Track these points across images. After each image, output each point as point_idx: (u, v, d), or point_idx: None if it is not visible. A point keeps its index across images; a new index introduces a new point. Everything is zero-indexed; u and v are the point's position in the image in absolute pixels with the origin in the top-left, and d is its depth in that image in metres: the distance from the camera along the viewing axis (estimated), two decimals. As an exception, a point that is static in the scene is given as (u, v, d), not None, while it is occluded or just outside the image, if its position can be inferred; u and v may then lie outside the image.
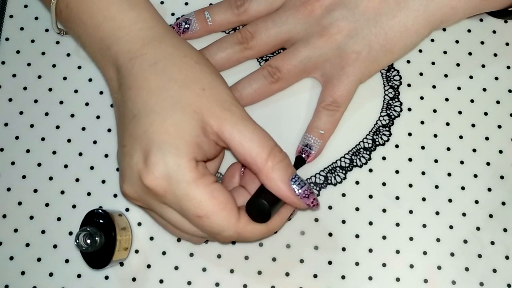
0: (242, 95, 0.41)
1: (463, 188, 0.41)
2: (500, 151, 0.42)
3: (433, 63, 0.43)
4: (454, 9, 0.39)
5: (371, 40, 0.39)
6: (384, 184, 0.41)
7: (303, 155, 0.40)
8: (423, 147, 0.42)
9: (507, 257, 0.40)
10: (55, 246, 0.41)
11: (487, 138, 0.42)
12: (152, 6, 0.38)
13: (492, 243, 0.40)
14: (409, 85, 0.43)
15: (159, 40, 0.36)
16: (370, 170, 0.41)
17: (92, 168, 0.42)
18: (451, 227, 0.40)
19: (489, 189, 0.41)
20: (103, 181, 0.42)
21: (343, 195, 0.41)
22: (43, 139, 0.42)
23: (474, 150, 0.42)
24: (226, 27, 0.43)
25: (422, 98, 0.43)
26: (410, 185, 0.41)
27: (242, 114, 0.35)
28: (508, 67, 0.43)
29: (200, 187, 0.33)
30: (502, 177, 0.41)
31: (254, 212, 0.35)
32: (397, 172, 0.41)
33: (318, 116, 0.41)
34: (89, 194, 0.41)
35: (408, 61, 0.43)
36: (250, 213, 0.35)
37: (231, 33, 0.42)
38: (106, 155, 0.42)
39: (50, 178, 0.42)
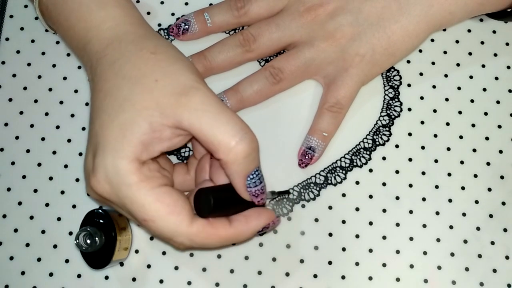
0: (243, 96, 0.41)
1: (463, 188, 0.41)
2: (500, 151, 0.42)
3: (433, 63, 0.43)
4: (452, 14, 0.40)
5: (374, 44, 0.40)
6: (384, 184, 0.41)
7: (306, 159, 0.40)
8: (423, 147, 0.42)
9: (507, 257, 0.40)
10: (55, 246, 0.41)
11: (487, 138, 0.42)
12: (125, 1, 0.37)
13: (492, 243, 0.40)
14: (409, 85, 0.43)
15: (120, 39, 0.35)
16: (370, 170, 0.41)
17: (92, 168, 0.42)
18: (451, 227, 0.40)
19: (489, 189, 0.41)
20: (103, 181, 0.42)
21: (343, 195, 0.41)
22: (43, 139, 0.42)
23: (474, 150, 0.42)
24: (225, 29, 0.43)
25: (422, 98, 0.43)
26: (410, 185, 0.41)
27: (203, 98, 0.32)
28: (508, 67, 0.43)
29: (142, 190, 0.31)
30: (502, 177, 0.41)
31: (199, 203, 0.34)
32: (397, 172, 0.41)
33: (321, 118, 0.41)
34: (89, 194, 0.41)
35: (408, 61, 0.43)
36: (195, 203, 0.34)
37: (233, 35, 0.42)
38: (106, 155, 0.42)
39: (50, 178, 0.42)
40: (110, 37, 0.35)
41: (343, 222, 0.41)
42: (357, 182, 0.41)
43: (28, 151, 0.42)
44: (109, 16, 0.36)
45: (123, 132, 0.32)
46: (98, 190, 0.32)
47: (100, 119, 0.33)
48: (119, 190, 0.32)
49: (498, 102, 0.43)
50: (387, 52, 0.40)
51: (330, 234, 0.40)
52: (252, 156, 0.33)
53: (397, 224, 0.41)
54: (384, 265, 0.40)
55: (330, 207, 0.41)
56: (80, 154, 0.42)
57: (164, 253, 0.40)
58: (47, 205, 0.41)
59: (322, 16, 0.40)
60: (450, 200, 0.41)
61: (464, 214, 0.41)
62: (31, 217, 0.41)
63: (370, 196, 0.41)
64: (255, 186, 0.34)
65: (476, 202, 0.41)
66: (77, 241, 0.36)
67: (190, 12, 0.43)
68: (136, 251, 0.40)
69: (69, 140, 0.42)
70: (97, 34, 0.35)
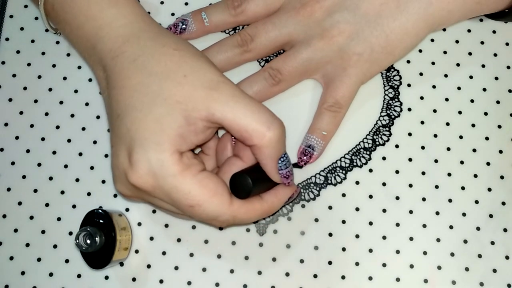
0: None
1: (463, 188, 0.41)
2: (500, 151, 0.42)
3: (433, 63, 0.43)
4: (450, 12, 0.40)
5: (372, 42, 0.39)
6: (384, 184, 0.41)
7: (305, 157, 0.40)
8: (423, 147, 0.42)
9: (507, 257, 0.40)
10: (55, 246, 0.41)
11: (487, 138, 0.42)
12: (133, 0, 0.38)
13: (492, 243, 0.40)
14: (409, 85, 0.43)
15: (137, 36, 0.36)
16: (370, 170, 0.41)
17: (92, 168, 0.42)
18: (451, 227, 0.40)
19: (489, 189, 0.41)
20: (103, 181, 0.42)
21: (343, 195, 0.41)
22: (43, 139, 0.42)
23: (474, 150, 0.42)
24: (223, 28, 0.43)
25: (422, 98, 0.43)
26: (410, 185, 0.41)
27: (232, 91, 0.34)
28: (508, 67, 0.43)
29: (187, 178, 0.33)
30: (502, 177, 0.41)
31: (236, 186, 0.35)
32: (397, 172, 0.41)
33: (320, 117, 0.41)
34: (89, 194, 0.42)
35: (408, 61, 0.43)
36: (232, 187, 0.35)
37: (231, 35, 0.42)
38: (106, 155, 0.42)
39: (50, 178, 0.42)
40: (125, 34, 0.36)
41: (343, 222, 0.41)
42: (357, 182, 0.41)
43: (28, 151, 0.42)
44: (121, 14, 0.36)
45: (160, 126, 0.33)
46: (140, 184, 0.33)
47: (131, 115, 0.34)
48: (165, 182, 0.33)
49: (498, 102, 0.43)
50: (385, 51, 0.40)
51: (330, 234, 0.40)
52: (282, 139, 0.35)
53: (397, 224, 0.41)
54: (384, 265, 0.40)
55: (330, 207, 0.41)
56: (80, 154, 0.42)
57: (164, 253, 0.40)
58: (47, 205, 0.41)
59: (319, 12, 0.40)
60: (450, 200, 0.41)
61: (464, 214, 0.41)
62: (31, 217, 0.41)
63: (370, 196, 0.41)
64: (286, 168, 0.36)
65: (476, 202, 0.41)
66: (77, 241, 0.36)
67: (188, 12, 0.43)
68: (136, 251, 0.40)
69: (69, 140, 0.42)
70: (109, 32, 0.36)
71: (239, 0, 0.41)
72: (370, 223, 0.41)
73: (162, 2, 0.45)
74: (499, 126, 0.42)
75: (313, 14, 0.40)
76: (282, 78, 0.41)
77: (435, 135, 0.42)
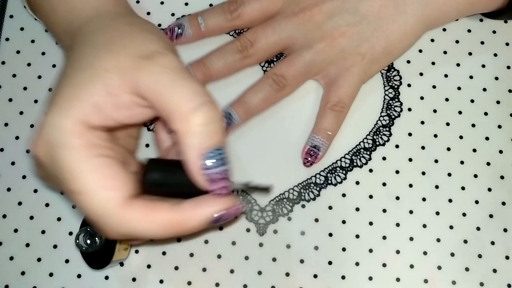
0: (250, 106, 0.41)
1: (463, 188, 0.41)
2: (500, 151, 0.42)
3: (433, 63, 0.43)
4: (445, 13, 0.41)
5: (374, 43, 0.40)
6: (384, 184, 0.41)
7: (311, 157, 0.40)
8: (423, 147, 0.42)
9: (507, 257, 0.40)
10: (55, 246, 0.41)
11: (487, 138, 0.42)
12: None
13: (492, 243, 0.40)
14: (409, 85, 0.43)
15: (100, 16, 0.34)
16: (370, 170, 0.41)
17: (92, 168, 0.42)
18: (451, 227, 0.40)
19: (489, 189, 0.41)
20: (103, 181, 0.42)
21: (343, 195, 0.41)
22: (43, 139, 0.42)
23: (474, 150, 0.42)
24: (219, 32, 0.43)
25: (422, 98, 0.43)
26: (410, 185, 0.41)
27: (167, 62, 0.29)
28: (508, 67, 0.43)
29: (78, 155, 0.27)
30: (502, 177, 0.41)
31: (143, 175, 0.29)
32: (397, 172, 0.41)
33: (324, 117, 0.41)
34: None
35: (408, 61, 0.43)
36: (142, 177, 0.30)
37: (231, 41, 0.42)
38: (106, 155, 0.42)
39: (50, 178, 0.42)
40: (91, 15, 0.34)
41: (343, 222, 0.41)
42: (357, 182, 0.41)
43: (28, 151, 0.42)
44: None
45: (75, 92, 0.29)
46: (35, 152, 0.29)
47: (60, 83, 0.30)
48: (54, 152, 0.28)
49: (498, 102, 0.43)
50: (386, 51, 0.40)
51: (330, 234, 0.40)
52: (212, 127, 0.28)
53: (397, 224, 0.41)
54: (384, 265, 0.40)
55: (330, 207, 0.41)
56: (80, 154, 0.42)
57: (164, 253, 0.40)
58: (47, 205, 0.41)
59: (318, 16, 0.40)
60: (450, 200, 0.41)
61: (464, 214, 0.41)
62: (31, 217, 0.41)
63: (370, 196, 0.41)
64: (215, 167, 0.28)
65: (476, 202, 0.41)
66: (77, 241, 0.36)
67: (184, 16, 0.43)
68: (136, 251, 0.40)
69: (69, 140, 0.42)
70: (79, 14, 0.35)
71: (235, 4, 0.41)
72: (370, 223, 0.41)
73: (162, 2, 0.45)
74: (499, 126, 0.42)
75: (312, 17, 0.40)
76: (286, 83, 0.41)
77: (435, 135, 0.42)
